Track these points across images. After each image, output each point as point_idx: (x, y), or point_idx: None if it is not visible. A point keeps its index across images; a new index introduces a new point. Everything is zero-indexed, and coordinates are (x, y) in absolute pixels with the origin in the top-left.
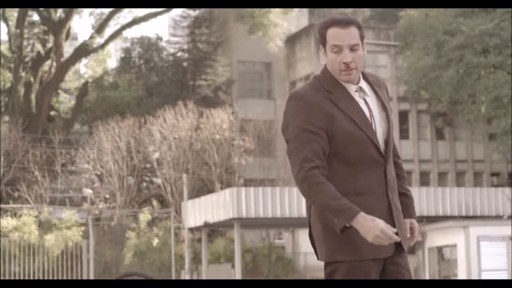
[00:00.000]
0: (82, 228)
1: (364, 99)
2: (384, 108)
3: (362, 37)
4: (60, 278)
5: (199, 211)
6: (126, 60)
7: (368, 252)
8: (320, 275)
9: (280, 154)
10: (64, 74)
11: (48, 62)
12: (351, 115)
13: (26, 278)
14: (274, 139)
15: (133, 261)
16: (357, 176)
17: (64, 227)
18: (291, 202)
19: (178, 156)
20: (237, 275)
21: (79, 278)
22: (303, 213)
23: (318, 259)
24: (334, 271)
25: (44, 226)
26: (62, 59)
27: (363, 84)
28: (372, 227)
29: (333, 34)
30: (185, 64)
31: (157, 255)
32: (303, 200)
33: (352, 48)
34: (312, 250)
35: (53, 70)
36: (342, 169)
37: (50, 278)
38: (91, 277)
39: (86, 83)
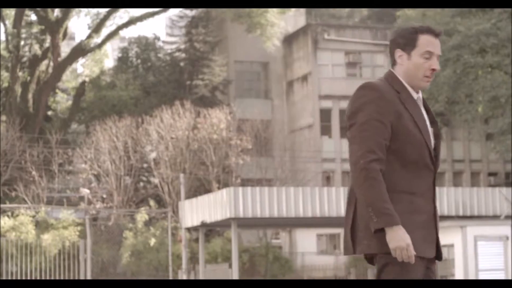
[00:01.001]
0: (79, 228)
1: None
2: (433, 122)
3: None
4: (57, 277)
5: (196, 211)
6: (123, 60)
7: (418, 250)
8: (317, 274)
9: (277, 154)
10: (61, 73)
11: (45, 62)
12: (415, 118)
13: (23, 278)
14: (271, 139)
15: (130, 260)
16: (411, 176)
17: (61, 226)
18: (288, 202)
19: (175, 155)
20: (234, 275)
21: (76, 277)
22: (300, 213)
23: (351, 253)
24: (387, 264)
25: (41, 226)
26: (59, 59)
27: (420, 95)
28: (402, 238)
29: (426, 40)
30: (182, 64)
31: (154, 255)
32: (300, 200)
33: (438, 58)
34: (310, 249)
35: (50, 69)
36: (398, 167)
37: (48, 278)
38: (88, 277)
39: (83, 82)
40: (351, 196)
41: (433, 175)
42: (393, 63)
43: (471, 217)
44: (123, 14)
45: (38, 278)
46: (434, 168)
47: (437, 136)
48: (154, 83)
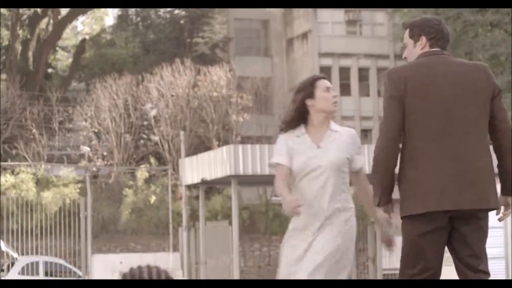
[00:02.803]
0: (80, 185)
1: None
2: None
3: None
4: (58, 234)
5: (196, 168)
6: (123, 18)
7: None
8: None
9: (277, 112)
10: (61, 31)
11: (45, 20)
12: None
13: (24, 235)
14: (272, 96)
15: (130, 218)
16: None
17: (61, 184)
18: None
19: (176, 113)
20: (234, 232)
21: (76, 235)
22: None
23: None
24: None
25: (42, 184)
26: (59, 17)
27: None
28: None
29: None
30: (182, 21)
31: (154, 212)
32: None
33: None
34: None
35: (50, 27)
36: None
37: (48, 235)
38: (89, 234)
39: (83, 40)
40: None
41: None
42: None
43: None
44: None
45: (38, 235)
46: None
47: None
48: (154, 40)
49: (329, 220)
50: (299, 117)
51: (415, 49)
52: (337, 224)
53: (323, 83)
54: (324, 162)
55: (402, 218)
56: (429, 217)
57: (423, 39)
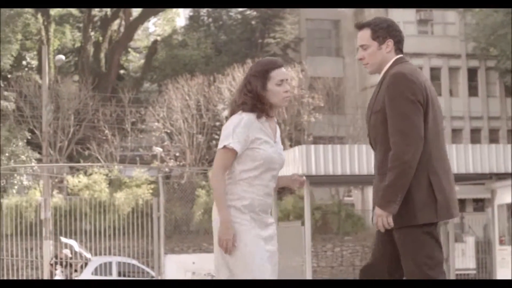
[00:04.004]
0: (152, 186)
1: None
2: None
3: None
4: (130, 235)
5: None
6: (194, 19)
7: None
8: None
9: (349, 112)
10: (133, 33)
11: (117, 21)
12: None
13: (97, 236)
14: (343, 96)
15: (203, 218)
16: None
17: (134, 185)
18: (360, 159)
19: None
20: (307, 232)
21: (149, 235)
22: (372, 170)
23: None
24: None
25: (115, 184)
26: (131, 18)
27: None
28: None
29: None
30: (253, 22)
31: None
32: (372, 158)
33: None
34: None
35: (122, 29)
36: None
37: (121, 235)
38: (162, 235)
39: (155, 41)
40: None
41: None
42: None
43: None
44: None
45: (111, 235)
46: (372, 146)
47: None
48: (226, 41)
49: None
50: (256, 102)
51: (379, 52)
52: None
53: (277, 74)
54: (281, 160)
55: (413, 225)
56: (436, 225)
57: (390, 43)
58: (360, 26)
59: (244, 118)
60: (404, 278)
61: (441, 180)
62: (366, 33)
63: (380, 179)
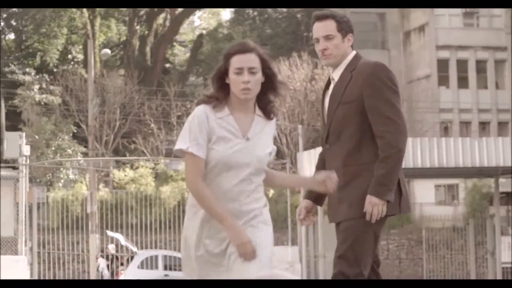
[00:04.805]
0: None
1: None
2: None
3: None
4: (176, 229)
5: (314, 162)
6: (240, 12)
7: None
8: (436, 225)
9: None
10: (178, 26)
11: (163, 15)
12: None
13: (143, 229)
14: None
15: None
16: None
17: (180, 178)
18: (407, 152)
19: (293, 107)
20: None
21: None
22: (419, 163)
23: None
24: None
25: (161, 178)
26: (176, 12)
27: (337, 72)
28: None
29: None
30: (298, 15)
31: (272, 206)
32: (418, 151)
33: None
34: (428, 200)
35: (167, 23)
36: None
37: (167, 229)
38: None
39: (200, 35)
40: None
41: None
42: None
43: None
44: None
45: (157, 229)
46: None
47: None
48: (271, 35)
49: (249, 222)
50: (222, 91)
51: (342, 45)
52: (259, 226)
53: (236, 62)
54: (251, 158)
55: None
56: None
57: (351, 37)
58: (323, 17)
59: (198, 111)
60: (336, 267)
61: (402, 174)
62: (331, 24)
63: (347, 171)
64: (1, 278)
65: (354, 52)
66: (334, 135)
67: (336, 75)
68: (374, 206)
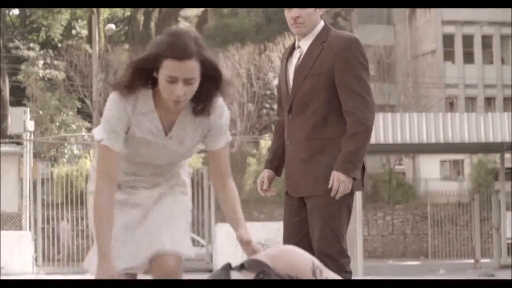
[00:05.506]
0: (203, 155)
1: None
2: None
3: None
4: None
5: None
6: None
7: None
8: (441, 200)
9: (401, 80)
10: None
11: None
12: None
13: None
14: (394, 64)
15: (253, 187)
16: None
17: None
18: (412, 128)
19: None
20: (358, 201)
21: (200, 204)
22: (424, 139)
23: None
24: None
25: None
26: None
27: (306, 42)
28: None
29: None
30: None
31: (277, 181)
32: (424, 126)
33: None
34: (433, 175)
35: None
36: None
37: None
38: (212, 204)
39: (205, 10)
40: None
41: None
42: None
43: None
44: None
45: None
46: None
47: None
48: (276, 10)
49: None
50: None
51: (315, 14)
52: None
53: (170, 68)
54: (166, 159)
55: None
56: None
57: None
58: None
59: (117, 102)
60: (317, 248)
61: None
62: None
63: (311, 144)
64: (6, 254)
65: (322, 23)
66: (298, 107)
67: (303, 44)
68: (340, 182)
